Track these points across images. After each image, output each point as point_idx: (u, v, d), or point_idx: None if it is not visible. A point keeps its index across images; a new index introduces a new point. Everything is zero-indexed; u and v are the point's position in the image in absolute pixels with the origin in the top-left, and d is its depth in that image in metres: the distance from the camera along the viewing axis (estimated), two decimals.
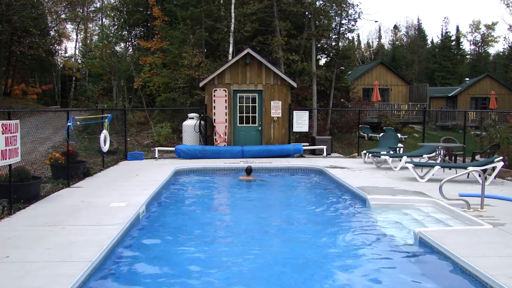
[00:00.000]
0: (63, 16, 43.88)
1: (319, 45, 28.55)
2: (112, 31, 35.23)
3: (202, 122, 18.02)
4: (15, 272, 5.11)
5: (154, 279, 5.66)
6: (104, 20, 40.88)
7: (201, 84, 18.52)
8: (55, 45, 43.35)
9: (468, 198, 8.55)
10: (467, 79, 50.86)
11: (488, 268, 5.25)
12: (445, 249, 6.05)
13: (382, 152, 15.01)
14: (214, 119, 18.03)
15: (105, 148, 14.20)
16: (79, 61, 45.92)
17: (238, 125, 18.38)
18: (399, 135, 18.08)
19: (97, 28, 45.38)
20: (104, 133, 14.11)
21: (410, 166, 12.16)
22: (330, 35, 28.60)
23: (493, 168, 11.23)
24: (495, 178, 11.53)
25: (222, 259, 6.57)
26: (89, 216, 7.80)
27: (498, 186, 11.05)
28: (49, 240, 6.33)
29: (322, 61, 32.38)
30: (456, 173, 10.27)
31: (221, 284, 5.61)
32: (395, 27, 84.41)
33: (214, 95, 18.03)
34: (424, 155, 14.58)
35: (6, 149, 7.65)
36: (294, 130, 18.87)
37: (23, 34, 33.87)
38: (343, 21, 27.86)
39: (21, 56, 35.40)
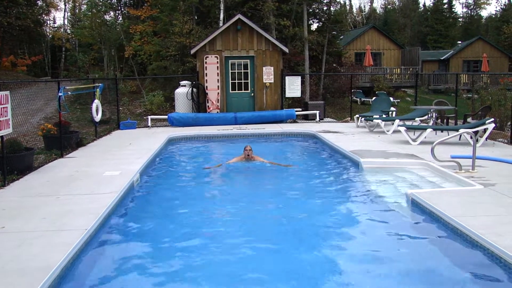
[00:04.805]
0: None
1: (310, 10, 28.20)
2: (101, 0, 34.68)
3: (194, 90, 17.92)
4: (12, 242, 5.13)
5: (148, 246, 5.70)
6: None
7: (192, 51, 18.35)
8: (43, 15, 42.49)
9: (459, 159, 8.62)
10: (459, 42, 50.63)
11: (478, 227, 5.34)
12: (437, 209, 6.13)
13: (374, 116, 15.04)
14: (206, 86, 17.93)
15: (98, 117, 14.15)
16: (69, 31, 45.25)
17: (230, 91, 18.30)
18: (391, 99, 18.09)
19: None
20: (96, 102, 14.03)
21: (402, 129, 12.23)
22: None
23: (485, 130, 11.29)
24: (486, 140, 11.61)
25: (216, 223, 6.70)
26: (83, 185, 7.82)
27: (490, 148, 11.13)
28: (44, 210, 6.35)
29: (314, 26, 32.10)
30: (448, 135, 10.33)
31: (215, 244, 5.74)
32: None
33: (206, 62, 17.88)
34: (417, 118, 14.62)
35: None
36: (286, 96, 18.82)
37: (9, 4, 33.09)
38: None
39: (8, 27, 34.71)
